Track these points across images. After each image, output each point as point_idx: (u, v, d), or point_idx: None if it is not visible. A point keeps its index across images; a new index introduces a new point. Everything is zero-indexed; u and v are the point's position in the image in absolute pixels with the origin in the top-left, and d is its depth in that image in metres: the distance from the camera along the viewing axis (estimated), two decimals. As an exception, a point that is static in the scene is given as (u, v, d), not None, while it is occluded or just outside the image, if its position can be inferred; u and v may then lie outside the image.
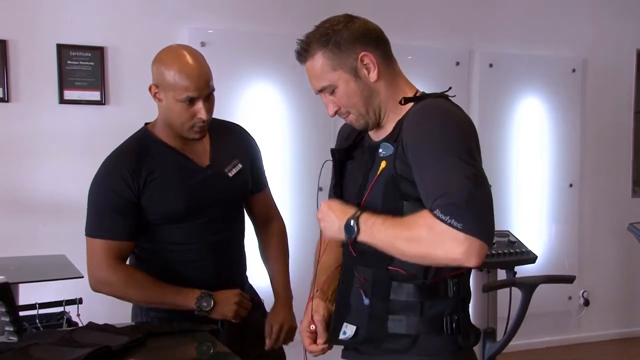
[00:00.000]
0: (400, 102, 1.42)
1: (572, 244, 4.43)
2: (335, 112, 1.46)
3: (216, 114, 1.82)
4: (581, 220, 4.48)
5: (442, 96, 1.44)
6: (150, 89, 1.77)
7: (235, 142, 1.94)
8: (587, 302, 4.51)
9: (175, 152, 1.82)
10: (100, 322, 1.71)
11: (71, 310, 2.05)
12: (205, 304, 1.76)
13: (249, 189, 1.96)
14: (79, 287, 2.00)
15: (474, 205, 1.22)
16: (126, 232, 1.78)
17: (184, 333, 1.72)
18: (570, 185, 4.42)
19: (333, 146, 1.63)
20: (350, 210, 1.38)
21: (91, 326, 1.68)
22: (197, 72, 1.71)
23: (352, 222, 1.35)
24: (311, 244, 1.79)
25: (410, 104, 1.42)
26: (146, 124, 1.91)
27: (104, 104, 3.35)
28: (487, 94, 4.19)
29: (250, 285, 2.04)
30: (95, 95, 3.34)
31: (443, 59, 4.05)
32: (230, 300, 1.80)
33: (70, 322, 2.04)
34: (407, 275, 1.41)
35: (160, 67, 1.73)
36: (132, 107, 3.38)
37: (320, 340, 1.55)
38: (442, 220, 1.22)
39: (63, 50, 3.25)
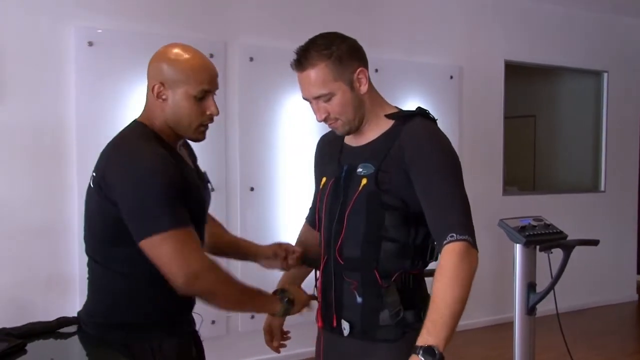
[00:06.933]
0: (389, 117, 1.66)
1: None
2: (325, 118, 1.62)
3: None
4: (458, 217, 4.80)
5: (425, 114, 1.68)
6: (152, 88, 1.64)
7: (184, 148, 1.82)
8: (463, 293, 4.84)
9: (179, 156, 1.69)
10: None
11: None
12: (288, 307, 1.71)
13: None
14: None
15: (470, 223, 1.52)
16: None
17: (66, 335, 1.70)
18: (449, 185, 4.72)
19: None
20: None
21: (-35, 333, 1.63)
22: (210, 65, 1.65)
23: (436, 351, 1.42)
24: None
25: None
26: (134, 120, 1.76)
27: (-17, 104, 3.23)
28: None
29: None
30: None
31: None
32: (303, 302, 1.75)
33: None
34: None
35: (166, 63, 1.62)
36: (17, 107, 3.29)
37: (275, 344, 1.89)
38: (460, 240, 1.45)
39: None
